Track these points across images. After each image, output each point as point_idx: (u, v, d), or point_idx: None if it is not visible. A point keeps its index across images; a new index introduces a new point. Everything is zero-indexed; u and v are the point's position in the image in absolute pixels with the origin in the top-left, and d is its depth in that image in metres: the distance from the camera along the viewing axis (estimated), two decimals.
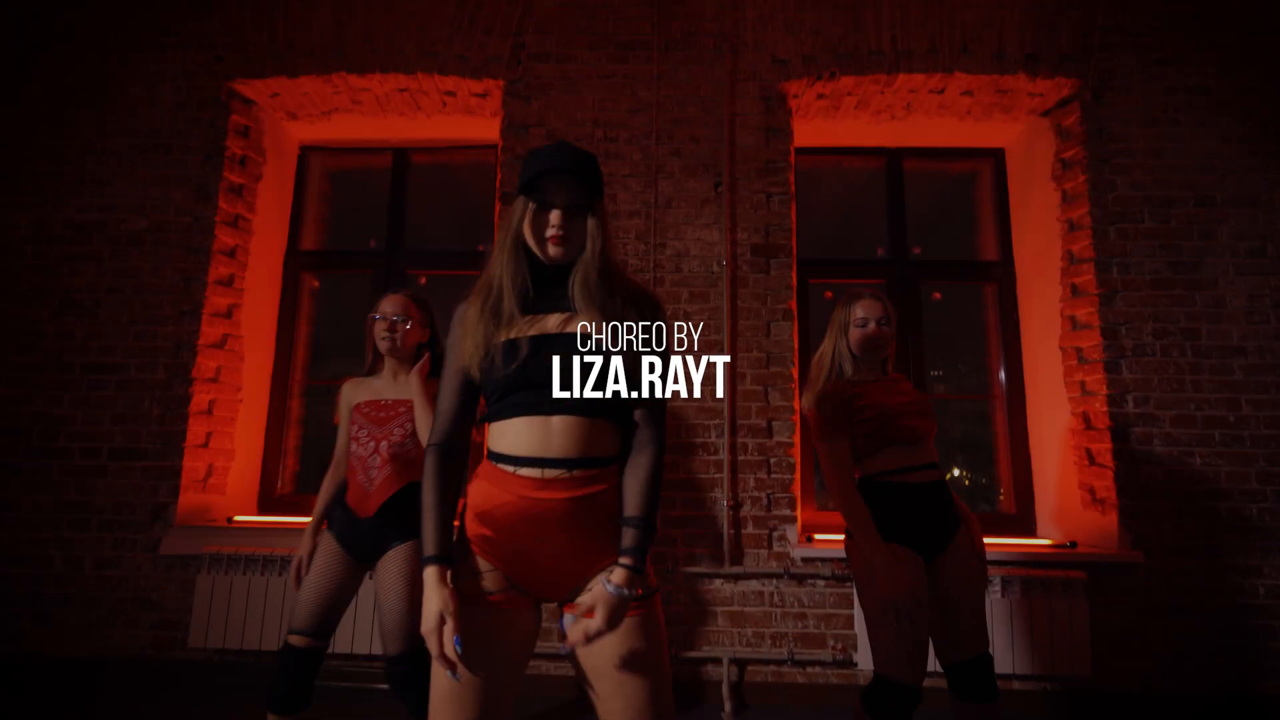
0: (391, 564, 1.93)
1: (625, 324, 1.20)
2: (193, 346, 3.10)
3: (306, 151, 3.76)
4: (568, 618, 1.13)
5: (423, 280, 3.63)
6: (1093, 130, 3.11)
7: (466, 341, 1.23)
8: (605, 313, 1.21)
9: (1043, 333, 3.25)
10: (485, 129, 3.54)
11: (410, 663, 1.89)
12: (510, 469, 1.17)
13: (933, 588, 1.84)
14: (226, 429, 3.23)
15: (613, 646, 1.14)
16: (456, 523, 1.27)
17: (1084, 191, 3.08)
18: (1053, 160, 3.25)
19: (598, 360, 1.18)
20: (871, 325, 1.95)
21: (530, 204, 1.22)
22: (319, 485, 2.14)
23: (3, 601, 2.94)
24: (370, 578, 1.98)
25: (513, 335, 1.21)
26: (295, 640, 1.91)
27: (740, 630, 2.82)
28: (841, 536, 2.02)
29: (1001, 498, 3.38)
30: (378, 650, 2.77)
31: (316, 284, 3.72)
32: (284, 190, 3.65)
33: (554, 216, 1.21)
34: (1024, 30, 3.18)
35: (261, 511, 3.35)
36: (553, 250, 1.22)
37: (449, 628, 1.11)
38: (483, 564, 1.20)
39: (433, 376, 2.08)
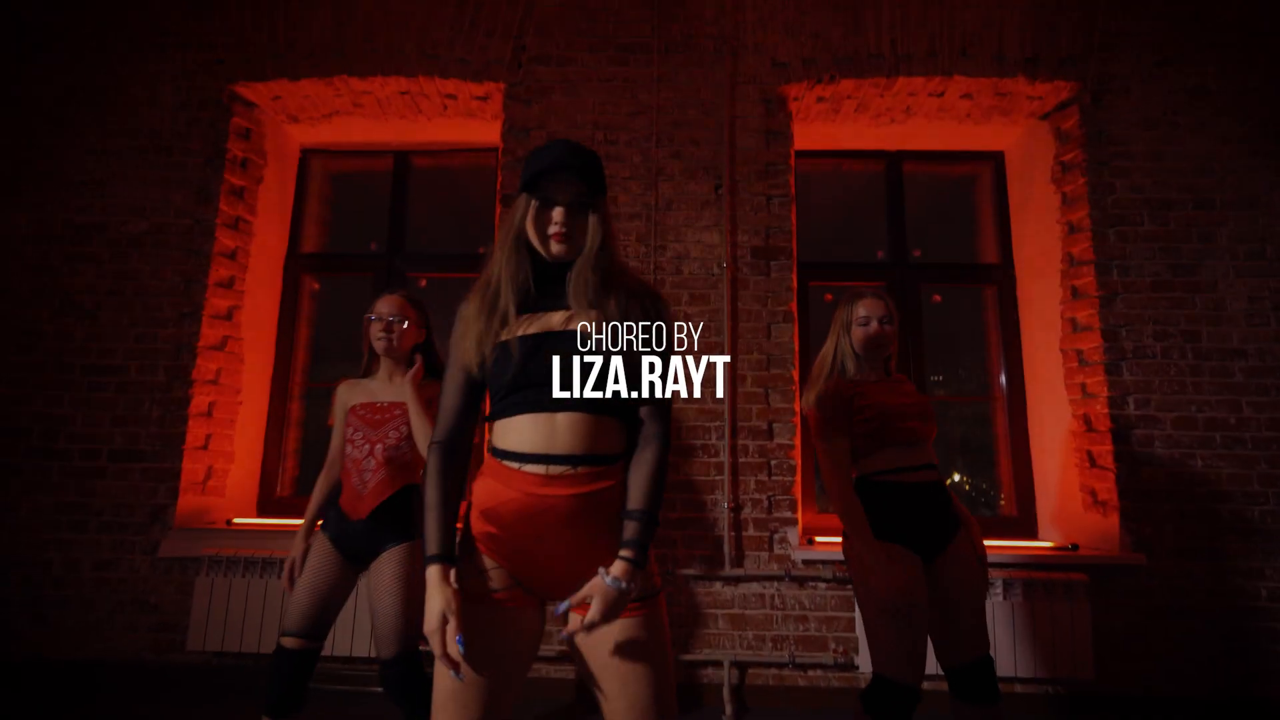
0: (386, 566, 1.92)
1: (627, 322, 1.20)
2: (193, 348, 3.10)
3: (307, 154, 3.77)
4: (561, 604, 1.12)
5: (423, 283, 3.63)
6: (1092, 133, 3.12)
7: (469, 339, 1.23)
8: (606, 310, 1.20)
9: (1043, 335, 3.25)
10: (486, 132, 3.54)
11: (405, 665, 1.88)
12: (515, 465, 1.16)
13: (932, 589, 1.83)
14: (226, 431, 3.22)
15: (617, 645, 1.14)
16: (459, 524, 1.26)
17: (1083, 194, 3.08)
18: (1052, 163, 3.26)
19: (600, 358, 1.18)
20: (874, 324, 1.95)
21: (533, 201, 1.22)
22: None
23: (2, 603, 2.92)
24: (363, 580, 1.97)
25: (516, 333, 1.21)
26: (288, 642, 1.89)
27: (741, 633, 2.81)
28: (841, 539, 2.02)
29: (1002, 500, 3.38)
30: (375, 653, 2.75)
31: (317, 286, 3.72)
32: (285, 193, 3.65)
33: (556, 214, 1.21)
34: (1023, 33, 3.19)
35: (261, 514, 3.34)
36: (555, 248, 1.22)
37: (452, 627, 1.10)
38: (487, 562, 1.20)
39: (428, 378, 2.09)
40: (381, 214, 3.64)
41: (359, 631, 2.79)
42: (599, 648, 1.15)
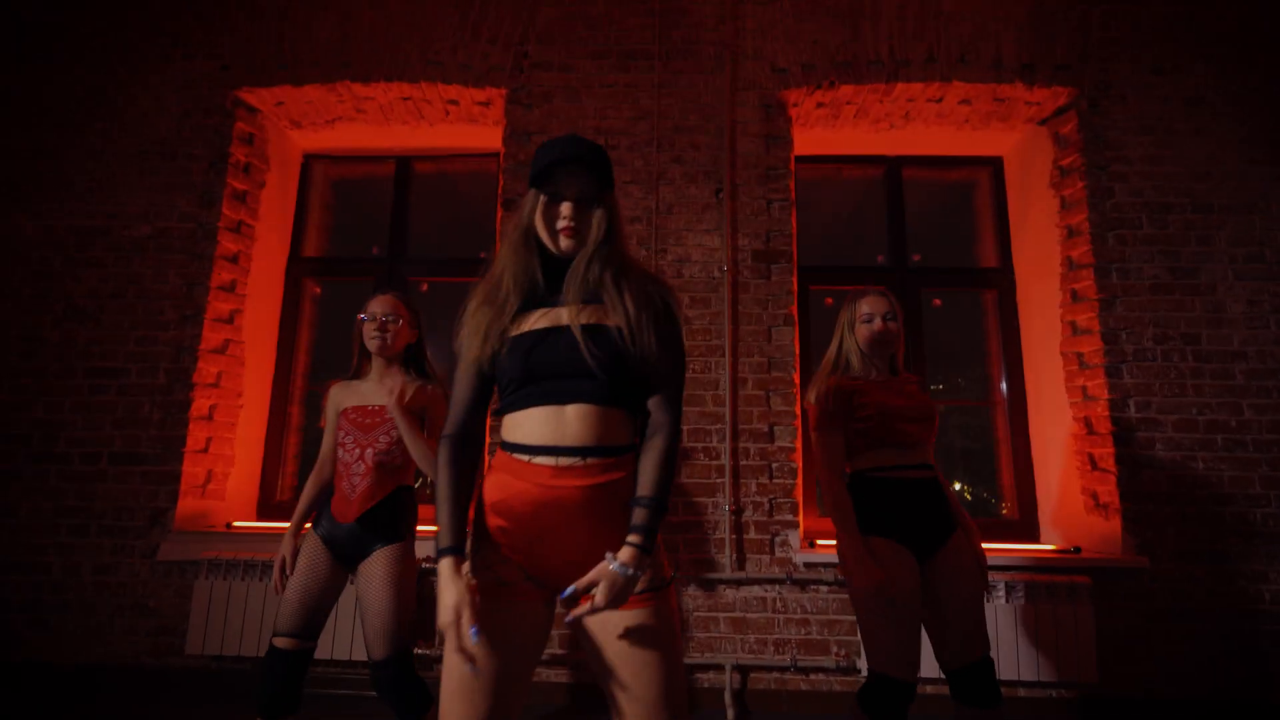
0: (375, 566, 1.91)
1: (635, 314, 1.20)
2: (194, 351, 3.11)
3: (310, 160, 3.79)
4: (568, 590, 1.12)
5: (425, 287, 3.65)
6: (1090, 138, 3.14)
7: (478, 334, 1.23)
8: (613, 302, 1.21)
9: (1043, 338, 3.25)
10: (488, 137, 3.57)
11: (397, 667, 1.87)
12: (525, 458, 1.17)
13: (927, 588, 1.84)
14: (227, 434, 3.22)
15: (629, 634, 1.14)
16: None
17: (1082, 198, 3.10)
18: (1050, 168, 3.28)
19: (609, 350, 1.18)
20: (877, 321, 1.96)
21: (542, 196, 1.23)
22: None
23: (2, 607, 2.91)
24: (352, 582, 1.96)
25: (525, 327, 1.22)
26: (281, 643, 1.88)
27: (743, 636, 2.80)
28: (836, 540, 2.02)
29: (1004, 504, 3.37)
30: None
31: (318, 290, 3.73)
32: (287, 198, 3.67)
33: (565, 208, 1.22)
34: (1020, 40, 3.22)
35: (260, 518, 3.33)
36: (564, 242, 1.23)
37: (466, 619, 1.09)
38: (497, 554, 1.20)
39: (418, 381, 2.08)
40: (383, 219, 3.66)
41: (357, 635, 2.77)
42: (611, 636, 1.15)
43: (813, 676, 2.77)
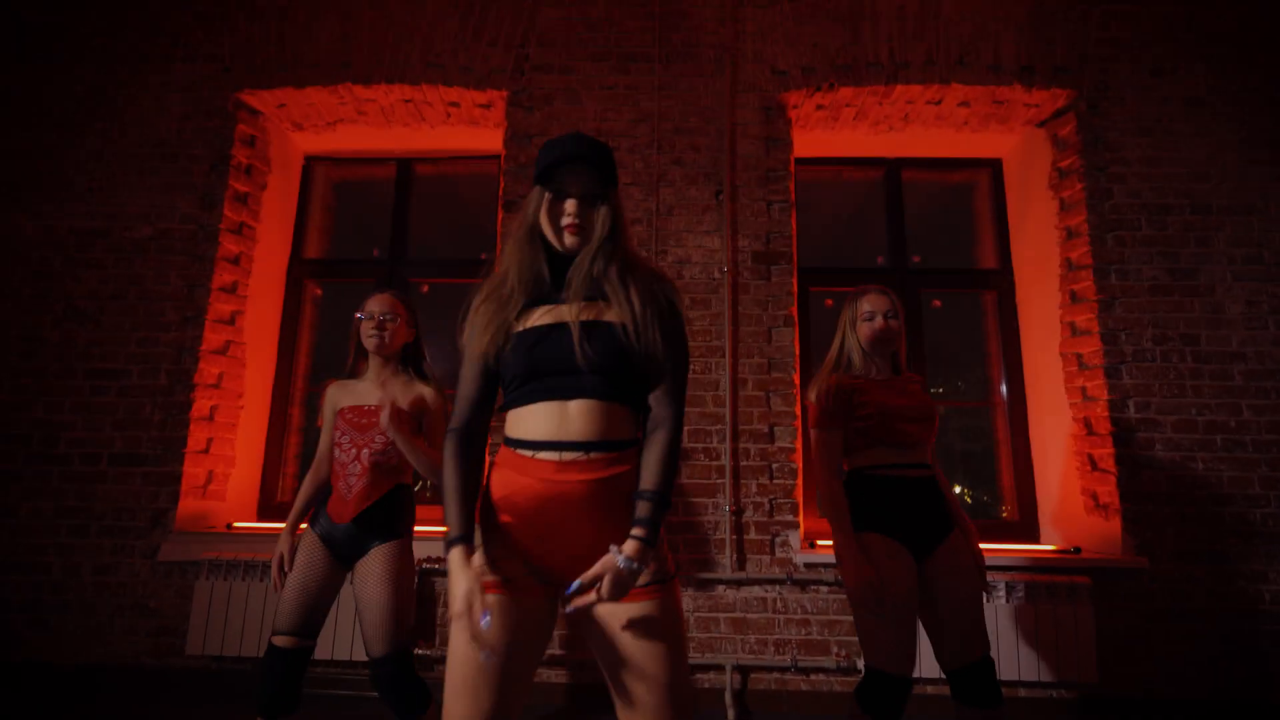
0: (373, 564, 1.91)
1: (639, 310, 1.21)
2: (195, 352, 3.11)
3: (311, 162, 3.80)
4: (574, 583, 1.12)
5: (425, 289, 3.66)
6: (1088, 140, 3.15)
7: (484, 330, 1.24)
8: (619, 299, 1.22)
9: (1043, 339, 3.26)
10: (488, 139, 3.58)
11: (396, 665, 1.87)
12: (529, 454, 1.18)
13: (924, 587, 1.85)
14: (227, 435, 3.23)
15: (634, 628, 1.14)
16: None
17: (1081, 199, 3.11)
18: (1049, 169, 3.29)
19: (611, 346, 1.19)
20: (878, 319, 1.96)
21: (546, 193, 1.24)
22: None
23: (2, 607, 2.91)
24: (350, 582, 1.96)
25: (529, 324, 1.23)
26: (280, 641, 1.88)
27: (743, 637, 2.80)
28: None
29: (1004, 505, 3.37)
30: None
31: (319, 292, 3.74)
32: (288, 199, 3.68)
33: (569, 205, 1.22)
34: (1019, 43, 3.24)
35: (261, 518, 3.33)
36: (569, 239, 1.24)
37: (477, 607, 1.10)
38: (502, 550, 1.20)
39: (416, 380, 2.09)
40: (384, 220, 3.67)
41: (356, 635, 2.77)
42: (617, 629, 1.15)
43: (813, 677, 2.77)
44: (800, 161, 3.56)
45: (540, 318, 1.23)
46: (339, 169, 3.87)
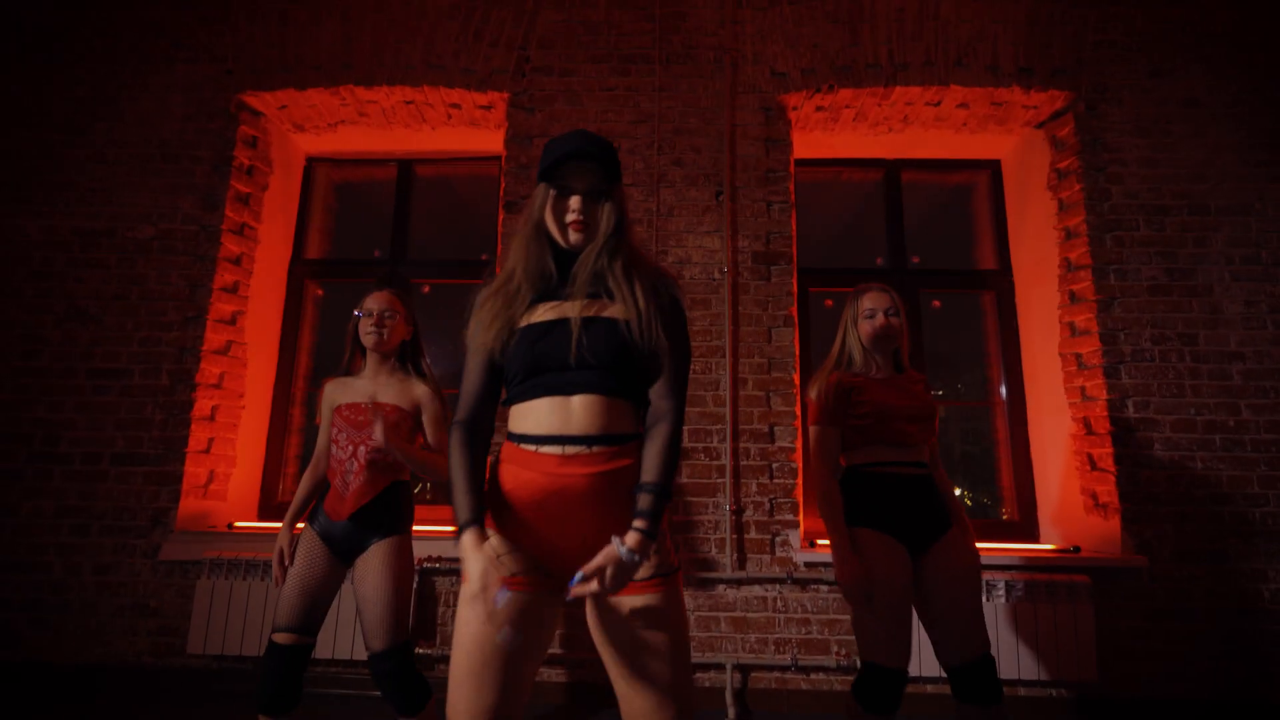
0: (373, 559, 1.92)
1: (643, 306, 1.22)
2: (197, 352, 3.12)
3: (313, 163, 3.82)
4: (576, 576, 1.13)
5: (426, 289, 3.67)
6: (1087, 141, 3.17)
7: (490, 325, 1.25)
8: (623, 295, 1.23)
9: (1042, 339, 3.27)
10: (489, 140, 3.59)
11: (396, 659, 1.87)
12: (532, 448, 1.19)
13: (921, 585, 1.86)
14: (228, 435, 3.23)
15: (637, 620, 1.15)
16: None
17: (1080, 200, 3.13)
18: (1048, 170, 3.30)
19: (613, 342, 1.20)
20: (879, 316, 1.97)
21: (551, 190, 1.25)
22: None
23: (2, 607, 2.91)
24: (351, 580, 1.95)
25: (534, 319, 1.24)
26: (281, 638, 1.88)
27: (744, 636, 2.80)
28: None
29: (1004, 504, 3.38)
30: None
31: (320, 292, 3.75)
32: (290, 200, 3.69)
33: (574, 202, 1.24)
34: (1017, 44, 3.25)
35: (262, 518, 3.34)
36: (574, 236, 1.25)
37: (493, 585, 1.10)
38: (506, 544, 1.21)
39: (412, 376, 2.10)
40: (385, 221, 3.68)
41: (356, 634, 2.77)
42: (620, 621, 1.16)
43: (813, 676, 2.77)
44: (800, 163, 3.58)
45: (544, 313, 1.24)
46: (340, 170, 3.89)
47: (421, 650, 2.79)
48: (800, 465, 2.97)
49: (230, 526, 3.11)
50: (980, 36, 3.27)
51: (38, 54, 3.46)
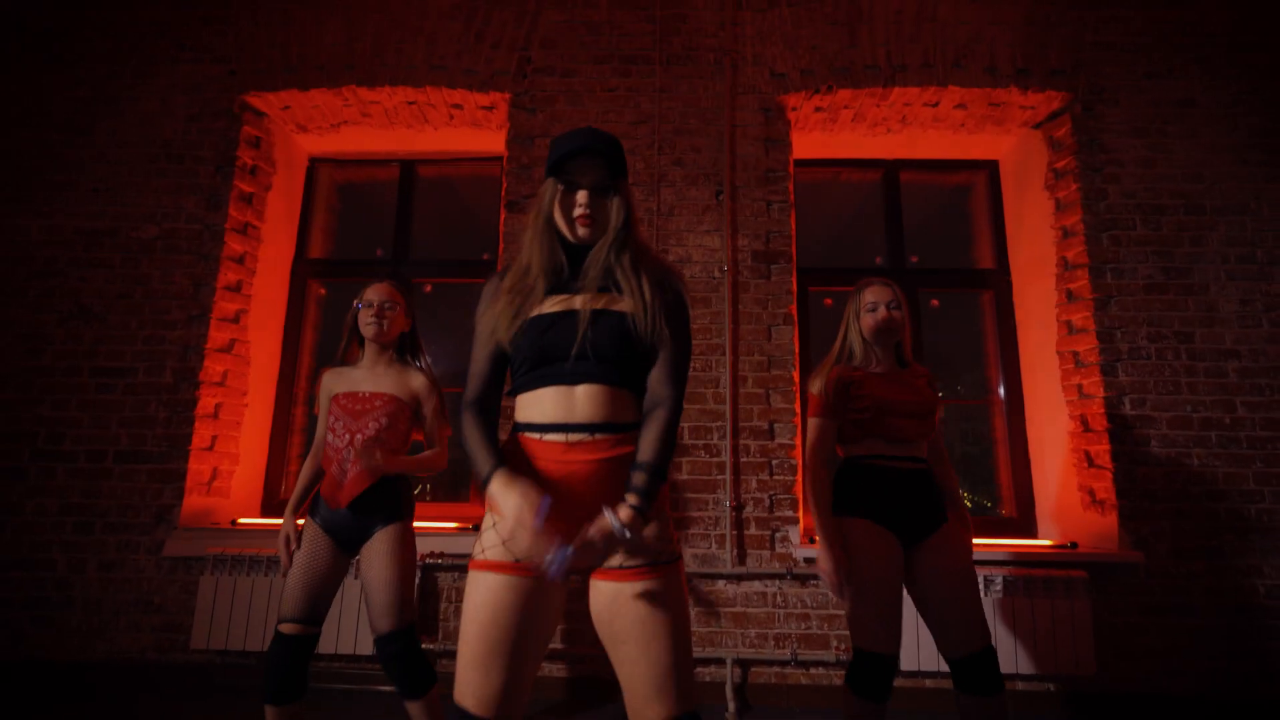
0: (377, 544, 1.96)
1: (650, 300, 1.25)
2: (200, 351, 3.14)
3: (315, 163, 3.84)
4: (568, 548, 1.12)
5: (428, 288, 3.69)
6: (1084, 141, 3.20)
7: (503, 316, 1.27)
8: (631, 289, 1.26)
9: (1039, 338, 3.30)
10: (491, 141, 3.62)
11: (402, 642, 1.91)
12: (537, 436, 1.22)
13: (916, 577, 1.90)
14: (231, 433, 3.25)
15: (638, 607, 1.16)
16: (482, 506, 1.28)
17: (1076, 200, 3.15)
18: (1045, 170, 3.33)
19: (619, 334, 1.23)
20: (881, 309, 1.99)
21: (559, 186, 1.28)
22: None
23: (5, 605, 2.93)
24: (355, 577, 1.98)
25: (542, 311, 1.26)
26: (286, 628, 1.91)
27: (743, 631, 2.82)
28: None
29: (1002, 501, 3.40)
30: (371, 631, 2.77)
31: (323, 292, 3.77)
32: (293, 200, 3.71)
33: (581, 197, 1.26)
34: (1014, 46, 3.29)
35: (265, 515, 3.35)
36: (581, 231, 1.28)
37: (529, 507, 1.10)
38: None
39: (410, 368, 2.13)
40: (387, 221, 3.70)
41: (361, 629, 2.79)
42: (621, 607, 1.17)
43: (813, 670, 2.79)
44: (799, 163, 3.61)
45: (553, 305, 1.27)
46: (343, 170, 3.91)
47: (425, 645, 2.80)
48: (800, 462, 3.00)
49: (233, 523, 3.13)
50: (978, 38, 3.30)
51: (39, 54, 3.49)
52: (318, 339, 3.71)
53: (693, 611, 2.85)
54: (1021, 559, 2.81)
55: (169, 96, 3.42)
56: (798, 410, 3.04)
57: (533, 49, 3.39)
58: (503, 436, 1.28)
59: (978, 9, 3.33)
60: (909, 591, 1.93)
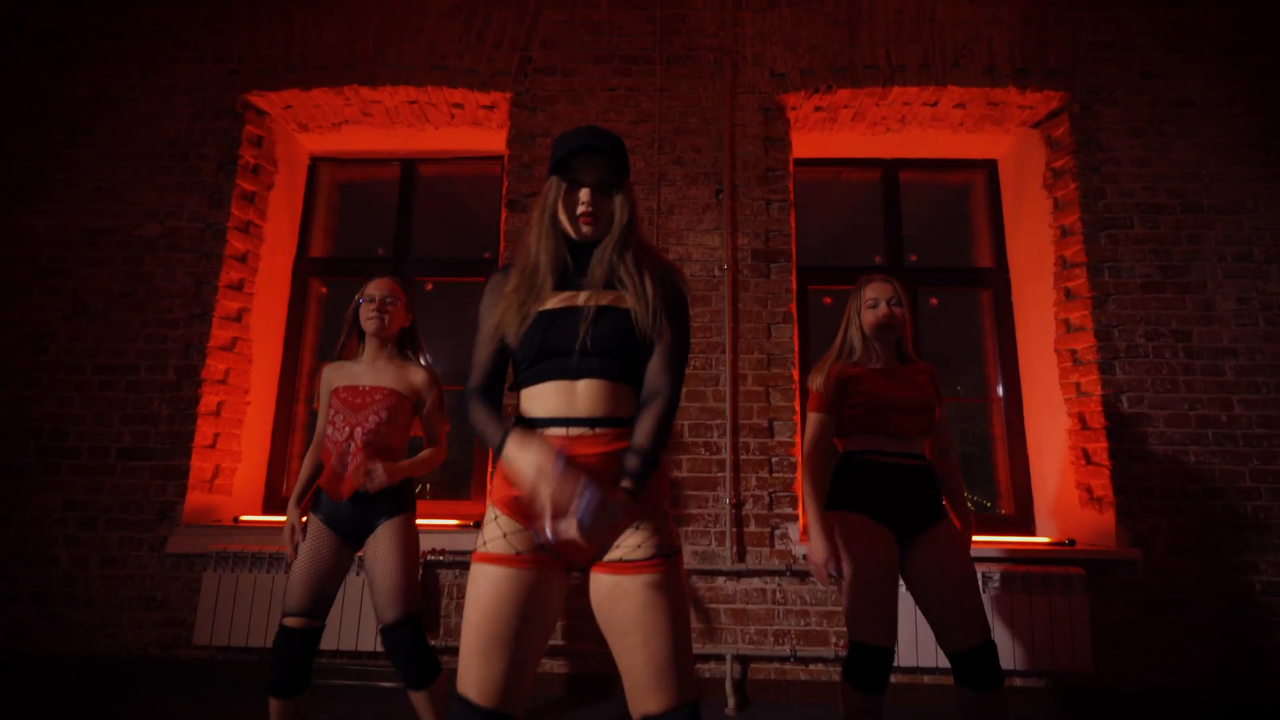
0: (382, 536, 1.99)
1: (653, 297, 1.27)
2: (202, 348, 3.16)
3: (317, 162, 3.86)
4: (591, 490, 1.13)
5: (429, 286, 3.71)
6: (1082, 140, 3.21)
7: (505, 311, 1.29)
8: (635, 286, 1.27)
9: (1038, 336, 3.31)
10: (492, 140, 3.64)
11: (408, 629, 1.93)
12: (539, 430, 1.23)
13: (912, 572, 1.92)
14: (234, 430, 3.27)
15: (638, 600, 1.18)
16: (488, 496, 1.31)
17: (1075, 199, 3.17)
18: (1044, 170, 3.35)
19: (622, 331, 1.25)
20: (882, 306, 2.01)
21: (562, 184, 1.30)
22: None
23: (9, 600, 2.95)
24: (357, 573, 1.99)
25: (545, 306, 1.28)
26: (291, 622, 1.93)
27: (743, 627, 2.84)
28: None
29: (1001, 499, 3.42)
30: (382, 648, 2.78)
31: (324, 290, 3.79)
32: (294, 199, 3.73)
33: (584, 194, 1.28)
34: (1013, 46, 3.30)
35: (266, 512, 3.37)
36: (584, 228, 1.29)
37: (549, 463, 1.10)
38: (513, 524, 1.25)
39: (409, 362, 2.16)
40: (388, 220, 3.72)
41: (362, 626, 2.81)
42: (622, 600, 1.19)
43: (812, 667, 2.81)
44: (799, 162, 3.63)
45: (557, 301, 1.29)
46: (344, 169, 3.93)
47: (440, 649, 2.82)
48: (799, 460, 3.01)
49: (236, 520, 3.14)
50: (976, 38, 3.32)
51: (40, 55, 3.51)
52: (319, 337, 3.73)
53: (693, 608, 2.86)
54: (1019, 556, 2.83)
55: (171, 96, 3.44)
56: (797, 408, 3.05)
57: (533, 49, 3.41)
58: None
59: (976, 9, 3.35)
60: (909, 587, 1.95)
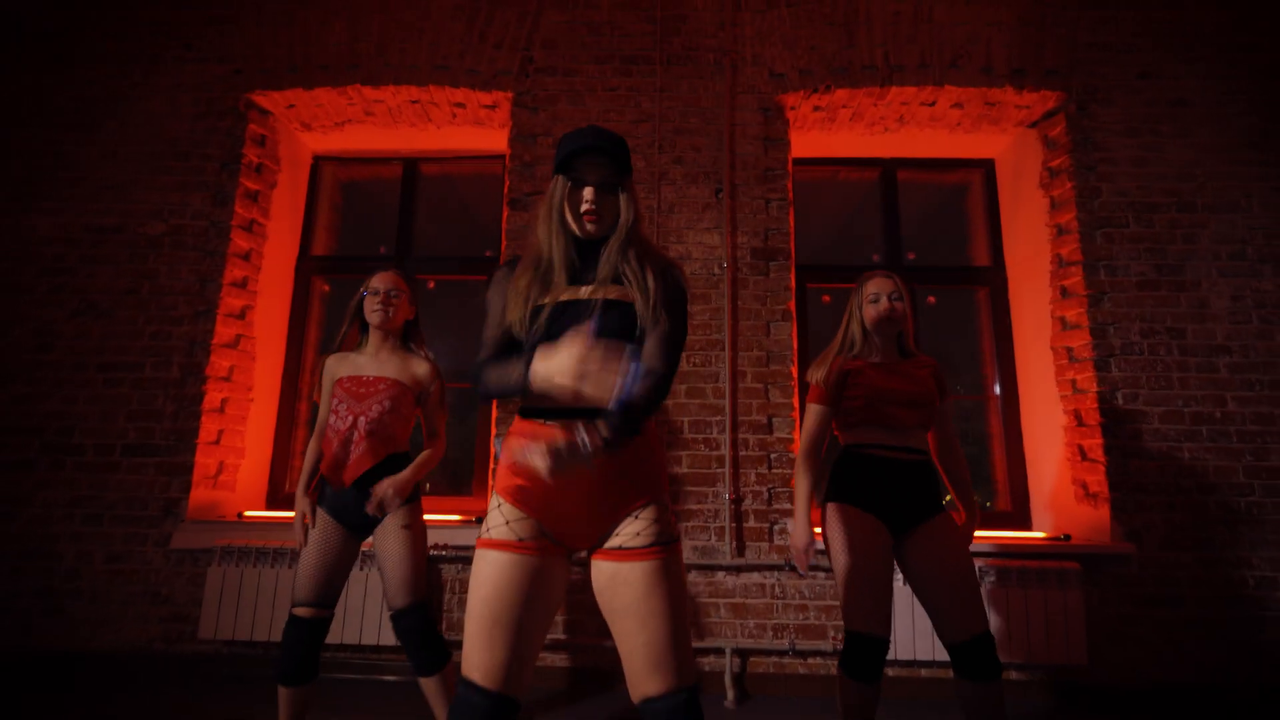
0: (390, 525, 2.03)
1: (655, 293, 1.30)
2: (206, 346, 3.18)
3: (319, 161, 3.88)
4: (542, 445, 1.17)
5: (431, 285, 3.74)
6: (1078, 140, 3.24)
7: (516, 300, 1.32)
8: (638, 282, 1.31)
9: (1034, 334, 3.35)
10: (493, 139, 3.67)
11: (418, 614, 1.98)
12: (541, 420, 1.27)
13: (909, 564, 1.96)
14: (237, 427, 3.30)
15: (637, 586, 1.22)
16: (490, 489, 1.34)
17: (1071, 198, 3.20)
18: (1040, 169, 3.38)
19: (627, 324, 1.29)
20: (883, 300, 2.05)
21: (566, 183, 1.33)
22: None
23: (14, 596, 2.97)
24: (361, 569, 2.03)
25: (549, 299, 1.31)
26: (301, 612, 1.97)
27: (742, 621, 2.87)
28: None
29: (997, 495, 3.45)
30: (385, 641, 2.81)
31: (327, 288, 3.82)
32: (297, 198, 3.76)
33: (588, 193, 1.31)
34: (1010, 46, 3.33)
35: (270, 508, 3.41)
36: (589, 226, 1.33)
37: (585, 343, 1.12)
38: (515, 512, 1.28)
39: (412, 354, 2.20)
40: (390, 219, 3.75)
41: (367, 619, 2.84)
42: (622, 585, 1.23)
43: (810, 660, 2.84)
44: (798, 162, 3.66)
45: (565, 295, 1.32)
46: (346, 168, 3.96)
47: (451, 642, 2.85)
48: (799, 456, 3.04)
49: (240, 516, 3.18)
50: (974, 38, 3.35)
51: (43, 55, 3.53)
52: (321, 334, 3.76)
53: (692, 602, 2.89)
54: (1016, 551, 2.86)
55: (174, 95, 3.46)
56: (796, 405, 3.08)
57: (535, 49, 3.44)
58: (506, 428, 1.32)
59: (974, 10, 3.38)
60: (908, 580, 1.98)
